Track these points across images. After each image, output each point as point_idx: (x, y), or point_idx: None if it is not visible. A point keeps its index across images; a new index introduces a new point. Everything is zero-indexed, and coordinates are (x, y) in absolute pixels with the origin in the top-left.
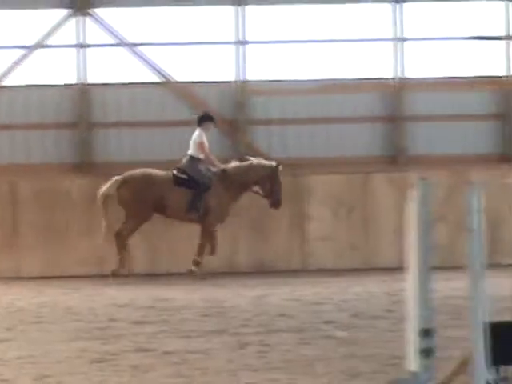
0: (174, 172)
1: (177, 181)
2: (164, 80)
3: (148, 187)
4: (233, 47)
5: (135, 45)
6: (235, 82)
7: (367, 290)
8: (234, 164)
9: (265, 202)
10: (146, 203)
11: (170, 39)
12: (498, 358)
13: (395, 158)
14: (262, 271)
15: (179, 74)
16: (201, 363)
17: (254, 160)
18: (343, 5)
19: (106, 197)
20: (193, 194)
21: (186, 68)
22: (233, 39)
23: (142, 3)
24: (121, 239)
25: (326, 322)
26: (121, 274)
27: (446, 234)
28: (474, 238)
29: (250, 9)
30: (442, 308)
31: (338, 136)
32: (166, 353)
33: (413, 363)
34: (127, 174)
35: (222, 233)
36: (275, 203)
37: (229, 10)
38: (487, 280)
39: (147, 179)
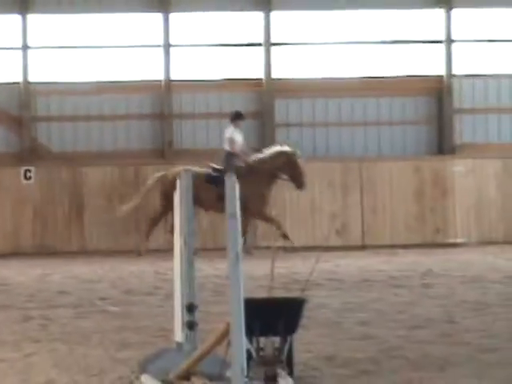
0: (209, 171)
1: (207, 178)
2: None
3: None
4: (19, 52)
5: None
6: (21, 83)
7: (139, 269)
8: (257, 156)
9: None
10: None
11: None
12: (254, 330)
13: (163, 152)
14: (44, 253)
15: None
16: None
17: (274, 148)
18: (118, 14)
19: (148, 190)
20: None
21: None
22: (20, 45)
23: None
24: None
25: (101, 298)
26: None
27: (209, 220)
28: (234, 223)
29: (34, 17)
30: (205, 286)
31: (111, 132)
32: None
33: (178, 335)
34: (169, 171)
35: (11, 218)
36: (300, 185)
37: (16, 17)
38: (245, 261)
39: None
